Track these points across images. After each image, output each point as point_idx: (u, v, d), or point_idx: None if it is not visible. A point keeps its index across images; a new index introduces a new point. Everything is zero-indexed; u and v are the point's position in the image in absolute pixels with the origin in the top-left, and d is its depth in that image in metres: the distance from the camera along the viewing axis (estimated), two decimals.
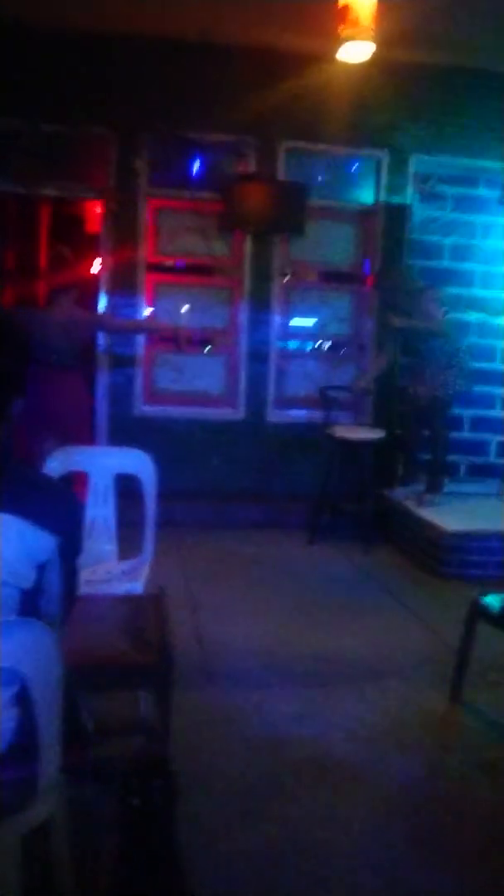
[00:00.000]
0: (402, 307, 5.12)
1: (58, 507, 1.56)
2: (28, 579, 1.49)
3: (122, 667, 2.12)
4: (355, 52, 4.11)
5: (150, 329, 5.55)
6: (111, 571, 2.95)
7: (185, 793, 2.31)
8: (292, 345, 6.01)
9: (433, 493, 5.18)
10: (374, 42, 3.99)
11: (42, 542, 1.48)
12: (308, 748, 2.69)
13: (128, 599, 2.61)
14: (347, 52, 4.11)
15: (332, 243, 5.88)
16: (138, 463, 3.01)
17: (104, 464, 3.04)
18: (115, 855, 1.86)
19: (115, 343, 5.52)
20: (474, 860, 2.18)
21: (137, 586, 2.77)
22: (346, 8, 3.92)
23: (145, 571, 2.90)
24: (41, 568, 1.52)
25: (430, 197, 5.66)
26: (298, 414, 5.73)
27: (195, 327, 5.45)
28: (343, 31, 3.96)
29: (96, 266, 5.71)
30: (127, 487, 3.07)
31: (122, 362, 5.56)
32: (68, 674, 1.63)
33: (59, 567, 1.56)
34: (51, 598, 1.60)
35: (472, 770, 2.63)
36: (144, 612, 2.42)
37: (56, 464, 2.92)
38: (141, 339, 5.59)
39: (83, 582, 2.80)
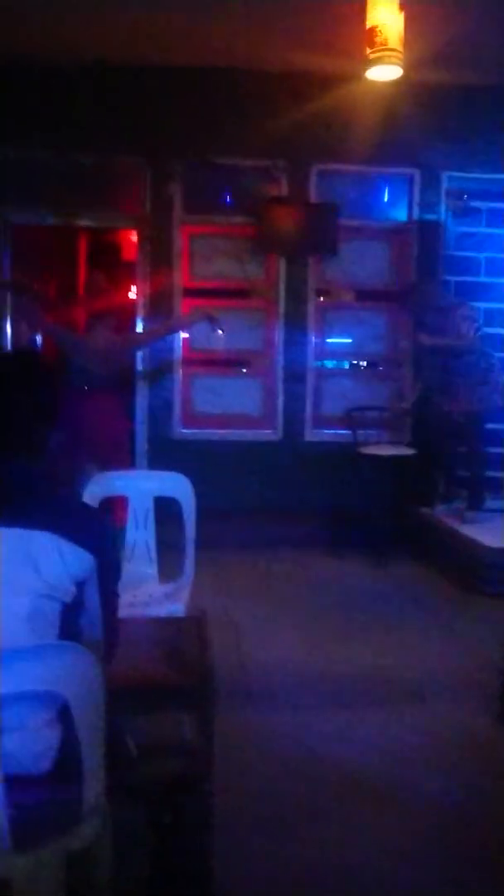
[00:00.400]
0: (433, 325, 5.11)
1: (93, 528, 1.62)
2: (68, 593, 1.53)
3: (164, 689, 2.14)
4: (384, 73, 4.15)
5: (181, 325, 5.49)
6: (152, 594, 2.98)
7: (220, 813, 2.33)
8: (329, 364, 6.03)
9: (474, 509, 5.13)
10: (402, 64, 4.02)
11: (80, 560, 1.53)
12: (346, 769, 2.67)
13: (169, 622, 2.64)
14: (376, 73, 4.15)
15: (365, 262, 5.91)
16: (177, 486, 3.05)
17: (143, 487, 3.08)
18: (148, 872, 1.87)
19: (153, 367, 5.60)
20: None
21: (179, 608, 2.80)
22: (373, 30, 3.97)
23: (186, 593, 2.92)
24: (80, 585, 1.56)
25: (463, 213, 5.66)
26: (336, 433, 5.73)
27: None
28: (371, 54, 4.01)
29: (133, 293, 5.82)
30: (166, 510, 3.12)
31: (160, 386, 5.64)
32: (111, 697, 1.66)
33: (97, 586, 1.60)
34: (92, 618, 1.64)
35: None
36: (186, 635, 2.44)
37: (96, 488, 2.97)
38: (177, 363, 5.66)
39: (125, 605, 2.86)
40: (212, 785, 2.22)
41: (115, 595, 1.72)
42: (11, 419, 1.57)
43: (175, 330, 5.49)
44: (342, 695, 3.26)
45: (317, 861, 2.19)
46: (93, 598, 1.62)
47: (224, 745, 2.72)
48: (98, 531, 1.62)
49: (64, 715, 1.48)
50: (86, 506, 1.80)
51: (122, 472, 3.35)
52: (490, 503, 5.28)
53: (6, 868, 1.42)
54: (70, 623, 1.58)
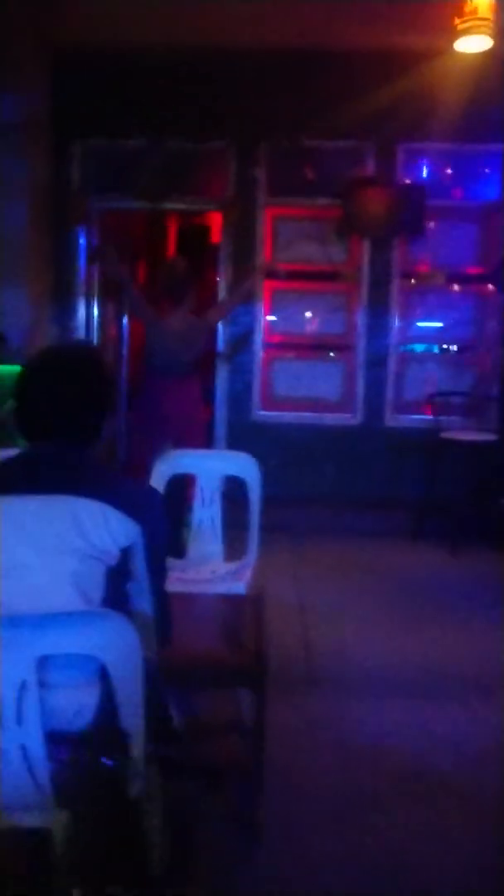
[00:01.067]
0: None
1: (139, 499, 1.67)
2: (112, 556, 1.58)
3: (217, 666, 2.16)
4: (473, 44, 4.00)
5: (246, 290, 5.09)
6: (216, 572, 3.00)
7: (273, 796, 2.33)
8: (412, 348, 5.89)
9: None
10: (493, 34, 3.86)
11: (124, 526, 1.58)
12: (408, 760, 2.61)
13: (228, 600, 2.65)
14: (465, 44, 4.01)
15: (454, 243, 5.73)
16: (244, 466, 3.04)
17: (210, 466, 3.10)
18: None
19: (233, 350, 5.63)
20: None
21: (240, 587, 2.80)
22: (463, 1, 3.83)
23: (248, 573, 2.93)
24: (126, 552, 1.61)
25: None
26: (417, 419, 5.60)
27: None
28: (460, 24, 3.88)
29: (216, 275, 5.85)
30: (241, 492, 3.12)
31: (240, 369, 5.67)
32: (156, 670, 1.69)
33: (145, 556, 1.64)
34: (140, 586, 1.69)
35: None
36: (243, 613, 2.45)
37: (164, 466, 3.01)
38: (258, 346, 5.67)
39: (188, 581, 2.89)
40: (262, 765, 2.23)
41: (163, 567, 1.75)
42: (63, 407, 1.67)
43: (243, 296, 5.15)
44: (408, 686, 3.19)
45: (372, 848, 2.16)
46: (140, 567, 1.66)
47: (283, 729, 2.74)
48: (144, 502, 1.68)
49: (103, 680, 1.52)
50: (134, 480, 1.85)
51: (189, 451, 3.37)
52: None
53: (47, 820, 1.47)
54: (116, 588, 1.63)
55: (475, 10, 3.81)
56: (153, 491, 1.87)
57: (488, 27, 3.82)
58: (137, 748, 1.56)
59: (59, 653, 1.45)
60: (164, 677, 1.85)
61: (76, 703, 1.53)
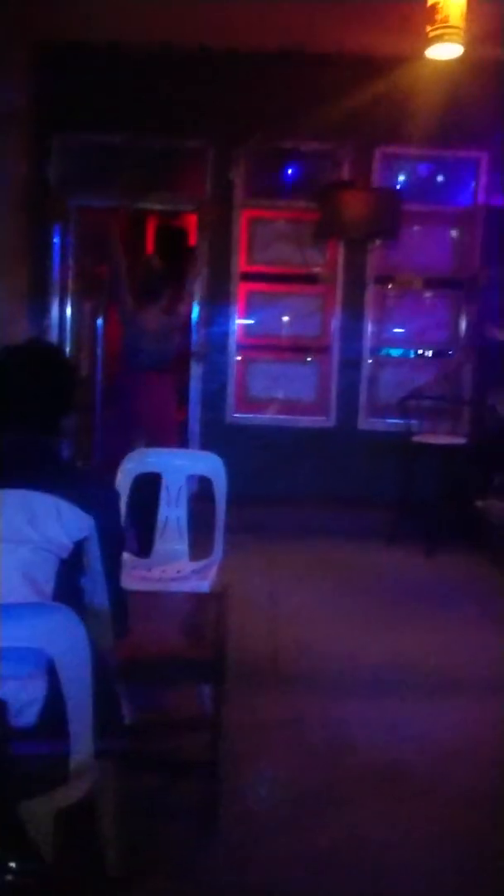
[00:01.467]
0: None
1: (93, 492, 1.70)
2: (65, 549, 1.60)
3: (177, 661, 2.17)
4: (444, 51, 4.03)
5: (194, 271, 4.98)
6: (182, 570, 3.01)
7: (236, 790, 2.34)
8: (387, 352, 5.93)
9: None
10: (464, 43, 3.89)
11: (78, 519, 1.61)
12: (373, 757, 2.63)
13: (192, 597, 2.66)
14: (436, 51, 4.03)
15: (429, 248, 5.78)
16: (211, 465, 3.06)
17: (177, 465, 3.11)
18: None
19: (207, 349, 5.63)
20: None
21: (204, 585, 2.81)
22: (434, 7, 3.85)
23: (214, 572, 2.93)
24: (79, 544, 1.63)
25: None
26: (390, 422, 5.63)
27: None
28: (431, 31, 3.89)
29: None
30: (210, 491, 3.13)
31: (215, 369, 5.67)
32: (108, 664, 1.69)
33: (99, 549, 1.66)
34: (95, 580, 1.71)
35: None
36: (205, 609, 2.46)
37: (131, 465, 3.01)
38: (233, 348, 5.68)
39: (154, 579, 2.90)
40: (221, 759, 2.24)
41: (118, 562, 1.76)
42: (23, 402, 1.71)
43: (193, 274, 4.97)
44: (378, 683, 3.21)
45: (335, 843, 2.17)
46: (95, 561, 1.68)
47: (248, 725, 2.75)
48: (98, 496, 1.71)
49: (50, 674, 1.52)
50: (89, 473, 1.88)
51: (156, 450, 3.38)
52: None
53: None
54: (70, 581, 1.65)
55: (446, 19, 3.83)
56: (109, 486, 1.90)
57: (459, 35, 3.83)
58: (85, 744, 1.56)
59: (6, 645, 1.45)
60: (118, 672, 1.85)
61: (23, 698, 1.52)
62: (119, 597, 1.75)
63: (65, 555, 1.61)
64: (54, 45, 5.30)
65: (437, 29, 3.81)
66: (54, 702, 1.52)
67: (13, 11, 4.89)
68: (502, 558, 4.80)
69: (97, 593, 1.72)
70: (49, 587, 1.57)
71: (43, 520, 1.56)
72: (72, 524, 1.60)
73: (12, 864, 0.59)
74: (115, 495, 1.79)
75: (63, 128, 5.50)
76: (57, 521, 1.58)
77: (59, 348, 4.06)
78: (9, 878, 0.60)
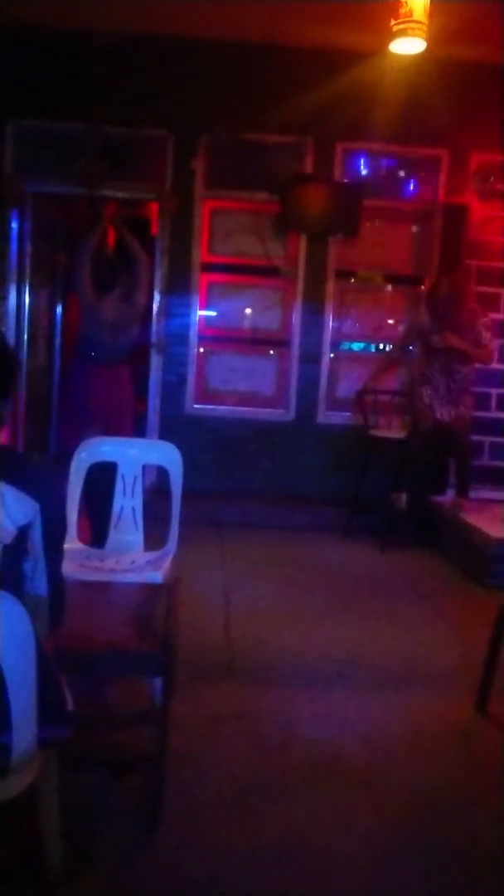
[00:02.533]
0: (450, 321, 4.92)
1: (38, 477, 1.68)
2: (8, 534, 1.59)
3: (124, 652, 2.14)
4: (407, 46, 4.05)
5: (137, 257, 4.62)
6: (135, 561, 2.97)
7: (184, 785, 2.32)
8: (347, 346, 5.95)
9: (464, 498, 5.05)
10: (427, 39, 3.92)
11: (21, 504, 1.60)
12: (320, 750, 2.63)
13: (143, 588, 2.63)
14: (400, 46, 4.05)
15: (388, 244, 5.81)
16: (166, 455, 3.03)
17: (132, 455, 3.06)
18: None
19: (167, 341, 5.59)
20: (476, 876, 2.09)
21: (157, 576, 2.78)
22: (398, 2, 3.87)
23: (167, 563, 2.90)
24: (22, 530, 1.61)
25: (489, 195, 5.49)
26: (348, 416, 5.65)
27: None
28: (395, 25, 3.91)
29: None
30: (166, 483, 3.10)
31: (174, 360, 5.63)
32: (46, 652, 1.66)
33: (41, 535, 1.65)
34: (36, 566, 1.69)
35: (488, 785, 2.52)
36: (155, 602, 2.44)
37: (85, 454, 2.97)
38: (194, 340, 5.64)
39: (106, 570, 2.86)
40: (165, 753, 2.22)
41: (59, 548, 1.75)
42: None
43: (136, 259, 4.61)
44: (326, 677, 3.22)
45: (279, 837, 2.16)
46: (37, 546, 1.67)
47: (198, 716, 2.73)
48: (43, 481, 1.69)
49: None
50: (33, 459, 1.85)
51: (111, 439, 3.33)
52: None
53: None
54: (12, 567, 1.63)
55: (410, 13, 3.85)
56: (53, 471, 1.88)
57: (422, 30, 3.86)
58: (28, 735, 1.53)
59: None
60: (64, 663, 1.82)
61: None
62: (58, 585, 1.73)
63: (8, 540, 1.59)
64: (12, 29, 5.18)
65: (401, 23, 3.84)
66: None
67: None
68: (455, 554, 4.87)
69: (37, 580, 1.70)
70: None
71: None
72: (15, 509, 1.58)
73: None
74: (60, 481, 1.77)
75: (20, 113, 5.39)
76: (1, 506, 1.54)
77: None
78: None
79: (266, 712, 2.86)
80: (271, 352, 5.85)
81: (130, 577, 2.79)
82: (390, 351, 5.73)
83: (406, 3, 3.86)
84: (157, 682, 2.48)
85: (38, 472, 1.73)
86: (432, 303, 5.10)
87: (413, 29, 3.88)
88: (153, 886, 1.95)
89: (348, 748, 2.66)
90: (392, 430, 5.34)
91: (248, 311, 5.84)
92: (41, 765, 1.64)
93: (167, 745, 2.21)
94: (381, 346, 6.01)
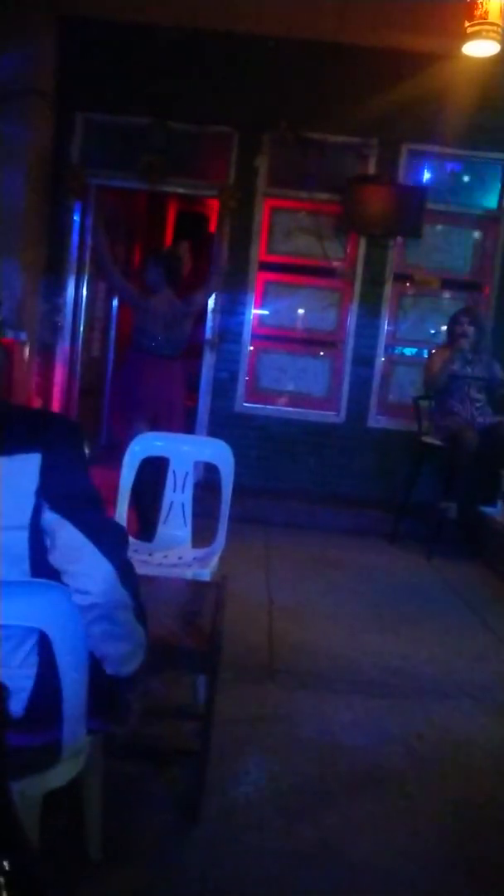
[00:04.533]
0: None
1: (39, 422, 1.49)
2: (24, 512, 1.42)
3: (172, 647, 2.14)
4: (481, 49, 3.99)
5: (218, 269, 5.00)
6: (183, 557, 2.99)
7: (223, 783, 2.32)
8: (400, 351, 5.89)
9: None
10: (501, 40, 3.85)
11: (24, 463, 1.40)
12: (361, 758, 2.61)
13: (190, 585, 2.64)
14: (473, 48, 3.99)
15: (450, 248, 5.73)
16: (218, 452, 3.03)
17: (183, 450, 3.08)
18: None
19: (220, 338, 5.60)
20: None
21: (204, 573, 2.79)
22: (473, 3, 3.82)
23: (215, 560, 2.91)
24: (37, 508, 1.43)
25: None
26: (400, 421, 5.59)
27: None
28: (469, 27, 3.86)
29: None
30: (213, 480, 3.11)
31: (227, 358, 5.64)
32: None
33: (60, 499, 1.43)
34: (67, 555, 1.47)
35: None
36: (203, 599, 2.44)
37: (138, 448, 2.99)
38: (247, 338, 5.64)
39: (155, 564, 2.87)
40: (208, 749, 2.23)
41: (92, 509, 1.49)
42: None
43: (216, 271, 4.91)
44: (368, 683, 3.19)
45: (315, 844, 2.15)
46: (50, 517, 1.43)
47: (238, 718, 2.73)
48: (46, 426, 1.47)
49: (41, 661, 1.48)
50: (30, 408, 1.71)
51: (164, 434, 3.35)
52: None
53: None
54: (40, 558, 1.45)
55: (485, 15, 3.80)
56: (62, 417, 1.70)
57: (497, 32, 3.81)
58: (78, 726, 1.54)
59: (4, 623, 1.41)
60: None
61: (13, 686, 1.47)
62: (98, 534, 1.47)
63: (26, 520, 1.41)
64: (82, 23, 5.25)
65: (475, 25, 3.80)
66: (43, 690, 1.48)
67: None
68: (503, 566, 4.78)
69: (78, 572, 1.47)
70: (25, 566, 1.46)
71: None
72: (17, 472, 1.38)
73: (5, 864, 0.56)
74: (74, 426, 1.52)
75: (87, 107, 5.47)
76: (6, 481, 1.38)
77: None
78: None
79: (306, 715, 2.85)
80: (324, 353, 5.82)
81: (179, 573, 2.80)
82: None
83: (482, 4, 3.81)
84: (200, 679, 2.50)
85: (36, 417, 1.52)
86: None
87: (488, 31, 3.84)
88: (188, 876, 1.96)
89: (388, 758, 2.63)
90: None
91: (301, 311, 5.82)
92: (88, 755, 1.65)
93: (209, 740, 2.21)
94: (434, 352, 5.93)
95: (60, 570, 1.47)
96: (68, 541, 1.44)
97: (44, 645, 1.45)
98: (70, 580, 1.46)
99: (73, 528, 1.43)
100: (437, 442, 5.08)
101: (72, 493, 1.45)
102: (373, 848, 2.16)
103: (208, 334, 5.58)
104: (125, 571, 1.50)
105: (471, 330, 4.84)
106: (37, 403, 5.49)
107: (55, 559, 1.46)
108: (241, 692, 2.92)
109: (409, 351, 5.92)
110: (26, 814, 1.53)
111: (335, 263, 5.65)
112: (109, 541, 1.48)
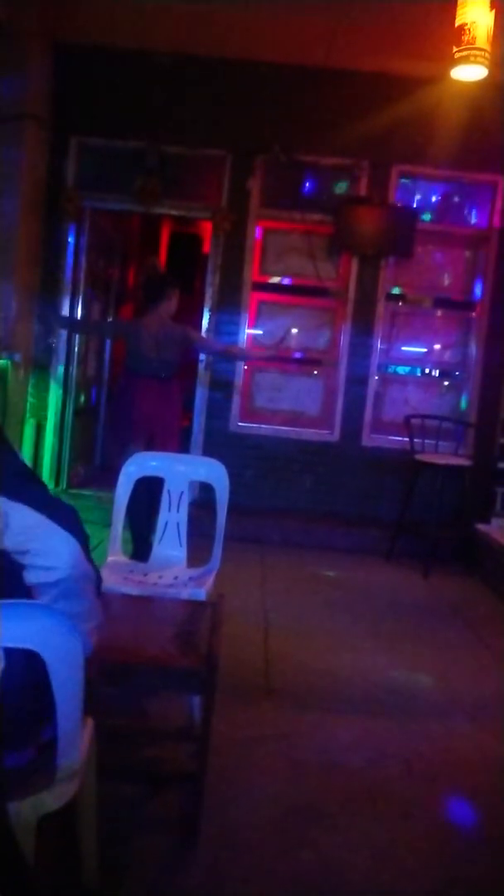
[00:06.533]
0: None
1: None
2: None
3: (167, 667, 2.14)
4: (469, 73, 4.04)
5: (244, 356, 5.56)
6: (179, 577, 2.98)
7: (220, 804, 2.30)
8: (394, 370, 5.92)
9: None
10: (489, 65, 3.90)
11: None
12: (359, 777, 2.59)
13: (186, 605, 2.63)
14: (461, 73, 4.04)
15: (441, 268, 5.79)
16: (213, 471, 3.04)
17: (179, 470, 3.08)
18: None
19: (215, 361, 5.63)
20: None
21: (200, 593, 2.78)
22: (461, 28, 3.87)
23: (211, 579, 2.91)
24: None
25: None
26: (394, 439, 5.61)
27: (289, 344, 5.43)
28: (457, 52, 3.91)
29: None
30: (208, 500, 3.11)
31: (221, 380, 5.66)
32: (117, 671, 1.64)
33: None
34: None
35: None
36: (199, 619, 2.43)
37: (132, 468, 2.99)
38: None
39: (150, 584, 2.87)
40: (205, 771, 2.21)
41: (38, 487, 1.52)
42: None
43: (237, 358, 5.53)
44: (366, 702, 3.18)
45: (315, 865, 2.13)
46: (2, 504, 1.41)
47: (235, 738, 2.72)
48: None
49: (32, 678, 1.47)
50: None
51: (159, 454, 3.35)
52: None
53: None
54: (11, 574, 1.46)
55: (473, 40, 3.84)
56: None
57: (485, 57, 3.85)
58: (73, 748, 1.53)
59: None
60: (100, 673, 1.81)
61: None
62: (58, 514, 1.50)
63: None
64: (76, 48, 5.33)
65: (463, 50, 3.83)
66: (43, 709, 1.47)
67: (36, 11, 4.92)
68: (499, 583, 4.78)
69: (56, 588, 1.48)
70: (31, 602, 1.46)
71: None
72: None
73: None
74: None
75: (82, 130, 5.53)
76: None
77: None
78: None
79: (305, 735, 2.84)
80: (318, 372, 5.84)
81: (174, 593, 2.79)
82: None
83: (469, 30, 3.86)
84: (196, 699, 2.48)
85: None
86: None
87: (475, 56, 3.87)
88: None
89: (387, 777, 2.62)
90: (439, 455, 5.27)
91: (295, 330, 5.85)
92: (83, 777, 1.64)
93: (206, 763, 2.19)
94: (428, 371, 5.98)
95: (21, 552, 1.44)
96: (22, 520, 1.43)
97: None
98: (33, 559, 1.44)
99: (24, 507, 1.43)
100: (433, 460, 5.07)
101: (11, 473, 1.46)
102: (372, 869, 2.14)
103: (202, 357, 5.60)
104: (86, 546, 1.51)
105: None
106: (31, 425, 5.49)
107: (14, 543, 1.43)
108: (239, 712, 2.91)
109: (401, 370, 5.96)
110: (22, 838, 1.52)
111: (328, 283, 5.70)
112: (64, 515, 1.49)
